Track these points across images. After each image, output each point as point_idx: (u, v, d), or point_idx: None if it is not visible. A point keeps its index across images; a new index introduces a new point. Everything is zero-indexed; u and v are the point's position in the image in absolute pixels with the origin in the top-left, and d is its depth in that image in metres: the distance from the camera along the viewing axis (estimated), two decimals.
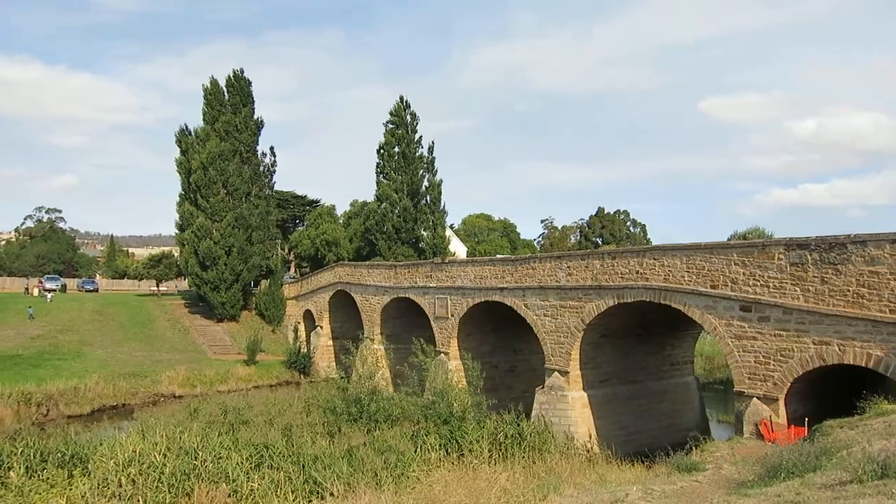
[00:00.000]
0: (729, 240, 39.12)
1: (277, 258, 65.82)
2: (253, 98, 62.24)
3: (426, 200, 64.55)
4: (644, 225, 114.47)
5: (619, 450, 24.63)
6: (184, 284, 76.84)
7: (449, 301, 36.60)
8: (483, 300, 34.09)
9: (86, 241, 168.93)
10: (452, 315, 36.33)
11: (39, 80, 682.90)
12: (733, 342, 21.74)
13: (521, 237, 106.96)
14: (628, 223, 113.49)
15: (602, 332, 28.39)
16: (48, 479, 15.86)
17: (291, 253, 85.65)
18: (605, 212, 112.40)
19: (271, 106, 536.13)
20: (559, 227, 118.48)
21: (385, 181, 64.18)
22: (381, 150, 64.61)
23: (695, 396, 31.89)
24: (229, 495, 15.26)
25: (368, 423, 25.28)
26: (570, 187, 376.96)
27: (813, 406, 20.42)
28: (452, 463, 15.50)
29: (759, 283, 21.06)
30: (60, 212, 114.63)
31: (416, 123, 65.14)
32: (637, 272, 25.40)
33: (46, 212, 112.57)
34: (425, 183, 64.69)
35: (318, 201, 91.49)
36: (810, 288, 19.61)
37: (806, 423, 19.17)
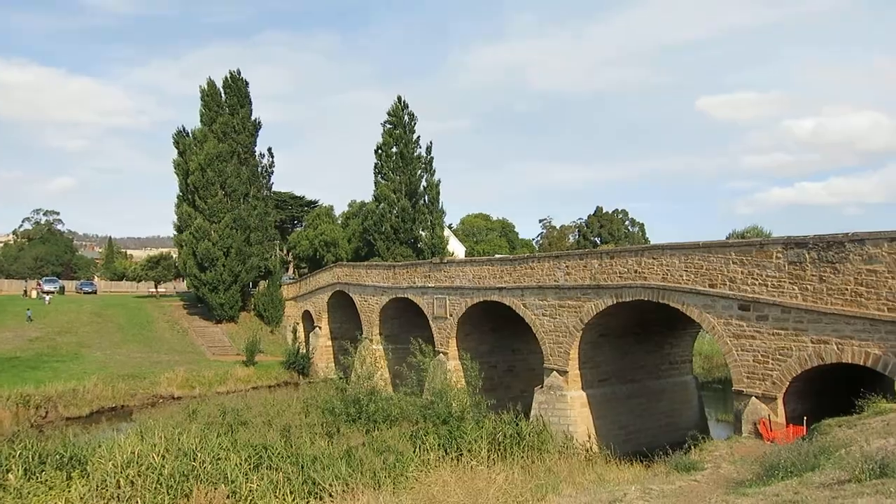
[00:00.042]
0: (727, 239, 39.16)
1: (276, 259, 65.77)
2: (250, 99, 62.20)
3: (424, 200, 64.47)
4: (642, 224, 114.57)
5: (618, 449, 24.64)
6: (182, 286, 76.68)
7: (447, 301, 36.59)
8: (481, 300, 34.07)
9: (84, 244, 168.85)
10: (451, 315, 36.31)
11: (37, 84, 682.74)
12: (732, 341, 21.74)
13: (520, 237, 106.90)
14: (627, 222, 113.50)
15: (601, 332, 28.39)
16: (46, 481, 15.86)
17: (290, 254, 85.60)
18: (604, 211, 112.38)
19: (268, 107, 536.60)
20: (557, 227, 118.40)
21: (383, 181, 64.11)
22: (379, 151, 64.54)
23: (693, 395, 31.89)
24: (228, 496, 15.25)
25: (367, 424, 25.30)
26: (569, 187, 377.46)
27: (811, 405, 20.42)
28: (451, 463, 15.48)
29: (757, 282, 21.06)
30: (58, 214, 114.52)
31: (414, 123, 65.06)
32: (635, 271, 25.39)
33: (44, 214, 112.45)
34: (423, 183, 64.59)
35: (317, 202, 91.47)
36: (808, 287, 19.61)
37: (804, 421, 19.16)
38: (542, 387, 29.24)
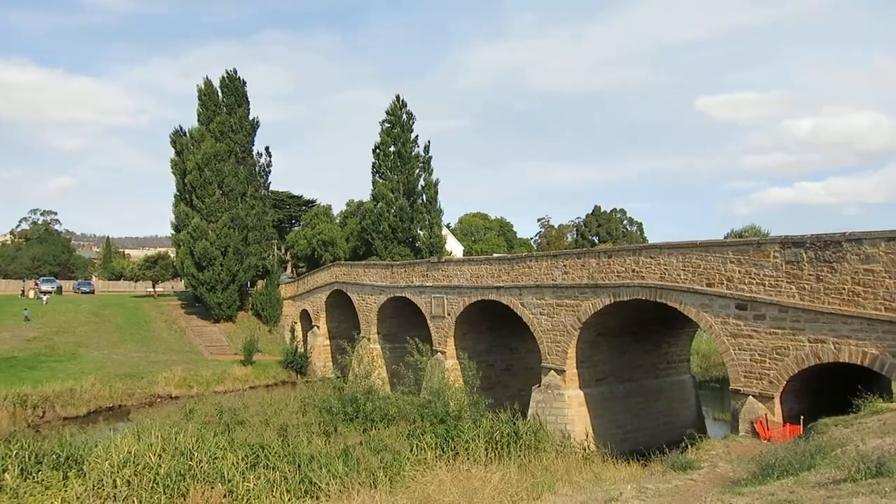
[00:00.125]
0: (725, 238, 39.19)
1: (274, 258, 65.72)
2: (248, 98, 62.18)
3: (422, 200, 64.47)
4: (641, 223, 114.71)
5: (616, 448, 24.66)
6: (180, 285, 76.60)
7: (445, 300, 36.59)
8: (479, 299, 34.08)
9: (82, 243, 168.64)
10: (449, 314, 36.32)
11: (36, 83, 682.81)
12: (729, 340, 21.75)
13: (518, 236, 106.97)
14: (625, 222, 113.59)
15: (598, 331, 28.40)
16: (43, 480, 15.84)
17: (288, 253, 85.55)
18: (602, 211, 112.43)
19: (267, 107, 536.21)
20: (556, 226, 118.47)
21: (381, 180, 64.11)
22: (377, 150, 64.53)
23: (691, 395, 31.92)
24: (225, 496, 15.24)
25: (364, 423, 25.29)
26: (568, 187, 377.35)
27: (808, 404, 20.44)
28: (448, 462, 15.48)
29: (754, 282, 21.07)
30: (56, 214, 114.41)
31: (413, 123, 65.08)
32: (633, 271, 25.40)
33: (42, 214, 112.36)
34: (421, 182, 64.62)
35: (315, 201, 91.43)
36: (806, 286, 19.62)
37: (801, 421, 19.19)
38: (539, 386, 29.25)
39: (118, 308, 61.90)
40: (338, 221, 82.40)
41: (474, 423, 21.66)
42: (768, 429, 19.92)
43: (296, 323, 58.71)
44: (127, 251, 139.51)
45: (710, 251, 22.62)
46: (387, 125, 64.60)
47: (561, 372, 28.40)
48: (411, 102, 65.33)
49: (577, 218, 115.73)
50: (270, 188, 68.53)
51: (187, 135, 59.03)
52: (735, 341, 21.56)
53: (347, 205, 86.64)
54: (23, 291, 70.36)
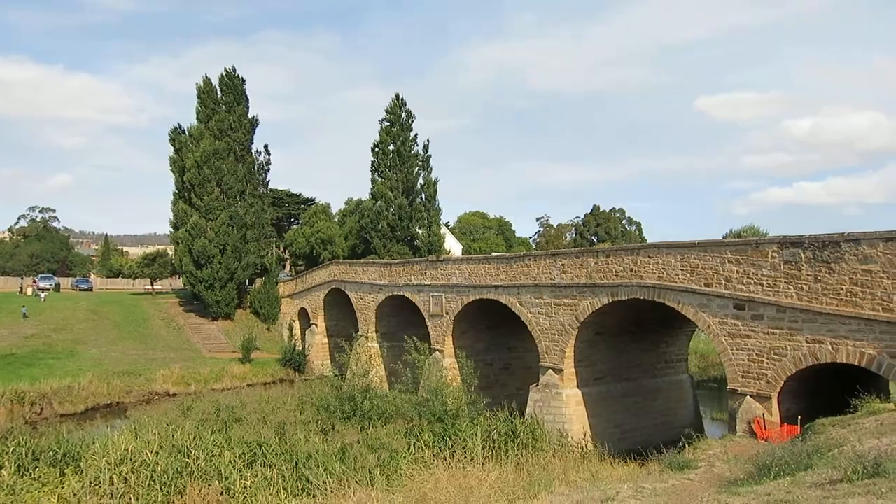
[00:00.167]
0: (724, 238, 39.19)
1: (272, 256, 65.69)
2: (247, 97, 62.08)
3: (421, 198, 64.43)
4: (640, 223, 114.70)
5: (614, 447, 24.66)
6: (178, 283, 76.53)
7: (444, 299, 36.57)
8: (478, 298, 34.06)
9: (80, 241, 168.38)
10: (447, 313, 36.30)
11: (36, 81, 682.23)
12: (727, 340, 21.75)
13: (517, 235, 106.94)
14: (624, 221, 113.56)
15: (596, 330, 28.40)
16: (40, 477, 15.83)
17: (286, 251, 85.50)
18: (601, 210, 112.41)
19: (267, 106, 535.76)
20: (555, 226, 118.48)
21: (380, 179, 64.06)
22: (376, 148, 64.47)
23: (689, 394, 31.93)
24: (222, 493, 15.24)
25: (362, 421, 25.28)
26: (567, 186, 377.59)
27: (806, 404, 20.45)
28: (445, 461, 15.48)
29: (752, 282, 21.07)
30: (54, 211, 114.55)
31: (412, 121, 65.01)
32: (631, 270, 25.40)
33: (40, 211, 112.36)
34: (420, 181, 64.58)
35: (313, 199, 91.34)
36: (804, 286, 19.62)
37: (799, 421, 19.20)
38: (537, 385, 29.24)
39: (116, 305, 61.88)
40: (336, 220, 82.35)
41: (472, 422, 21.66)
42: (766, 429, 19.93)
43: (294, 321, 58.68)
44: (125, 249, 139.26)
45: (709, 251, 22.61)
46: (386, 124, 64.54)
47: (559, 371, 28.40)
48: (411, 102, 65.56)
49: (576, 217, 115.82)
50: (269, 186, 68.46)
51: (186, 133, 59.02)
52: (733, 341, 21.56)
53: (346, 203, 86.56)
54: (21, 289, 70.28)
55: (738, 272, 21.51)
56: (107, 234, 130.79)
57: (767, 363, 20.59)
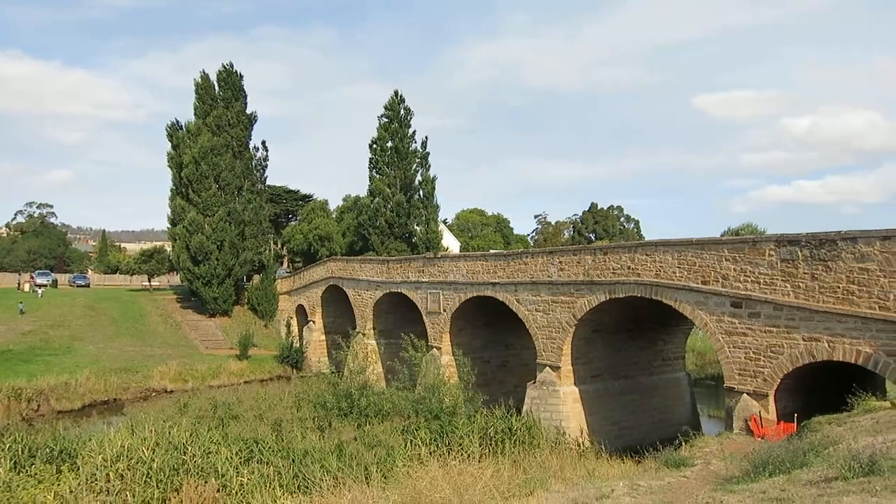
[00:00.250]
0: (722, 236, 39.21)
1: (270, 253, 65.63)
2: (245, 93, 61.95)
3: (419, 195, 64.36)
4: (638, 221, 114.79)
5: (611, 445, 24.70)
6: (176, 279, 76.44)
7: (441, 296, 36.58)
8: (475, 295, 34.07)
9: (78, 237, 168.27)
10: (444, 310, 36.30)
11: (33, 76, 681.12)
12: (724, 338, 21.77)
13: (515, 232, 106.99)
14: (622, 219, 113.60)
15: (594, 328, 28.41)
16: (36, 474, 15.76)
17: (284, 248, 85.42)
18: (599, 207, 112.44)
19: (266, 102, 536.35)
20: (553, 223, 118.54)
21: (378, 176, 63.97)
22: (374, 145, 64.35)
23: (686, 392, 31.97)
24: (218, 490, 15.20)
25: (359, 418, 25.26)
26: (566, 183, 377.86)
27: (802, 402, 20.49)
28: (441, 458, 15.48)
29: (749, 280, 21.08)
30: (52, 207, 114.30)
31: (410, 118, 64.86)
32: (629, 268, 25.41)
33: (38, 207, 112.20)
34: (418, 178, 64.51)
35: (311, 196, 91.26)
36: (801, 284, 19.64)
37: (795, 419, 19.24)
38: (534, 382, 29.26)
39: (114, 302, 61.81)
40: (334, 216, 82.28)
41: (468, 420, 21.64)
42: (762, 426, 19.96)
43: (292, 318, 58.67)
44: (123, 245, 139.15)
45: (706, 249, 22.62)
46: (384, 120, 64.41)
47: (556, 368, 28.42)
48: (408, 99, 65.10)
49: (574, 215, 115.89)
50: (267, 183, 68.42)
51: (183, 129, 58.86)
52: (730, 339, 21.58)
53: (344, 200, 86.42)
54: (19, 284, 70.17)
55: (735, 270, 21.53)
56: (104, 230, 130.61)
57: (764, 361, 20.62)
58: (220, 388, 41.26)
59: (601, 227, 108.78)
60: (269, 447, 18.13)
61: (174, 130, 58.95)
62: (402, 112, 64.31)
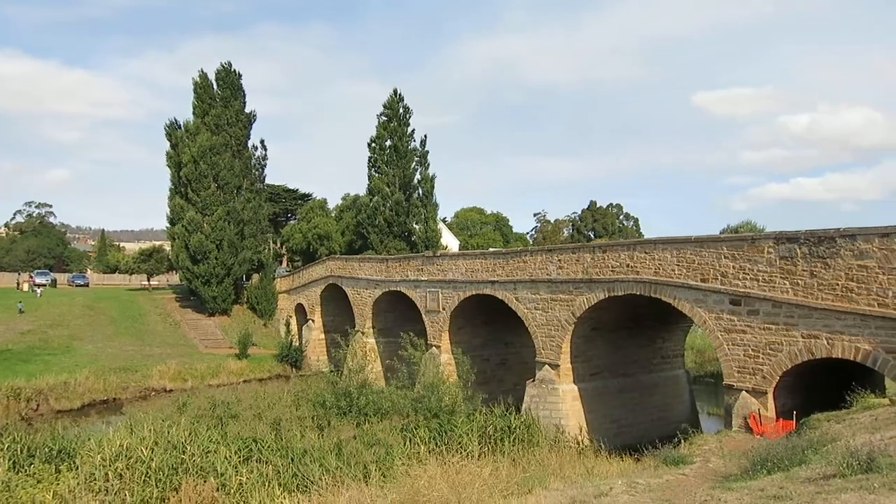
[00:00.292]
0: (721, 234, 39.20)
1: (269, 252, 65.59)
2: (244, 91, 61.91)
3: (418, 194, 64.35)
4: (637, 219, 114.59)
5: (610, 443, 24.68)
6: (175, 279, 76.43)
7: (440, 294, 36.56)
8: (474, 293, 34.05)
9: (77, 236, 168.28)
10: (444, 308, 36.29)
11: (31, 75, 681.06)
12: (723, 335, 21.77)
13: (514, 231, 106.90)
14: (621, 217, 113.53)
15: (593, 326, 28.41)
16: (35, 474, 15.77)
17: (283, 247, 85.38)
18: (598, 205, 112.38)
19: (263, 100, 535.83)
20: (552, 221, 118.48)
21: (377, 174, 63.94)
22: (373, 144, 64.31)
23: (685, 389, 31.97)
24: (217, 489, 15.19)
25: (358, 417, 25.26)
26: (565, 181, 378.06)
27: (801, 399, 20.49)
28: (440, 456, 15.47)
29: (748, 277, 21.08)
30: (51, 206, 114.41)
31: (409, 116, 64.84)
32: (627, 265, 25.40)
33: (37, 206, 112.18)
34: (417, 176, 64.49)
35: (310, 195, 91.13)
36: (799, 282, 19.64)
37: (794, 416, 19.24)
38: (534, 380, 29.26)
39: (113, 301, 61.78)
40: (333, 215, 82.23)
41: (468, 418, 21.64)
42: (761, 424, 19.96)
43: (291, 317, 58.64)
44: (122, 244, 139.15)
45: (705, 246, 22.62)
46: (383, 119, 64.37)
47: (555, 366, 28.41)
48: (407, 97, 65.09)
49: (574, 213, 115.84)
50: (266, 182, 68.39)
51: (182, 128, 58.79)
52: (729, 336, 21.58)
53: (343, 199, 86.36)
54: (17, 284, 70.15)
55: (734, 267, 21.52)
56: (103, 230, 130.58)
57: (763, 358, 20.62)
58: (219, 388, 41.23)
59: (600, 226, 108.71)
60: (268, 446, 18.12)
61: (173, 129, 58.87)
62: (401, 110, 64.28)
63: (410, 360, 30.20)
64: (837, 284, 18.71)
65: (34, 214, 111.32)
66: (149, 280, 76.72)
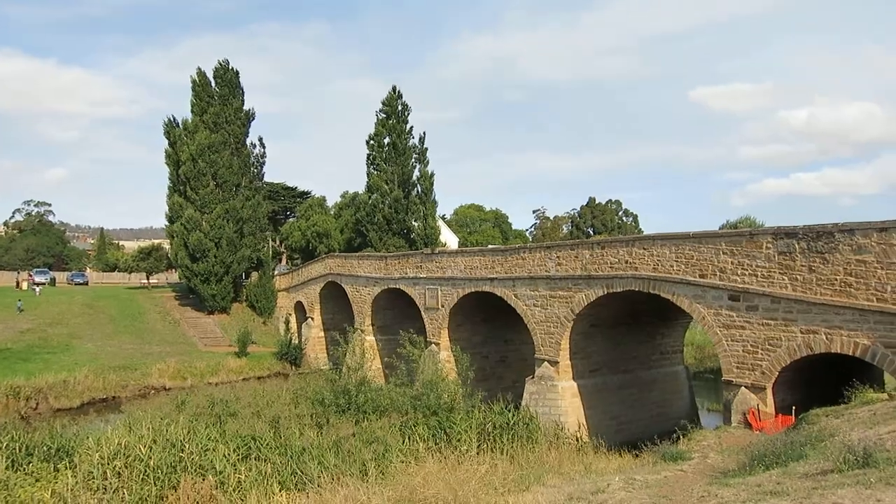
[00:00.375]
0: (720, 229, 39.18)
1: (268, 250, 65.58)
2: (242, 89, 61.87)
3: (417, 191, 64.33)
4: (636, 215, 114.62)
5: (610, 439, 24.60)
6: (174, 277, 76.49)
7: (439, 292, 36.53)
8: (473, 290, 34.04)
9: (76, 235, 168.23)
10: (443, 306, 36.27)
11: (29, 74, 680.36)
12: (722, 331, 21.76)
13: (514, 227, 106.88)
14: (620, 213, 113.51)
15: (592, 322, 28.38)
16: (33, 472, 15.75)
17: (282, 245, 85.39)
18: (597, 202, 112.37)
19: (262, 98, 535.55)
20: (551, 218, 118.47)
21: (376, 172, 63.91)
22: (371, 141, 64.26)
23: (684, 385, 31.97)
24: (216, 487, 15.17)
25: (357, 415, 25.22)
26: (564, 177, 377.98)
27: (801, 395, 20.47)
28: (439, 454, 15.46)
29: (747, 273, 21.05)
30: (50, 205, 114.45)
31: (408, 113, 64.83)
32: (626, 262, 25.37)
33: (36, 205, 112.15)
34: (416, 173, 64.45)
35: (309, 193, 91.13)
36: (798, 277, 19.61)
37: (793, 411, 19.21)
38: (533, 377, 29.26)
39: (112, 299, 61.80)
40: (332, 213, 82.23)
41: (467, 415, 21.61)
42: (760, 420, 19.94)
43: (290, 314, 58.65)
44: (122, 243, 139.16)
45: (703, 242, 22.59)
46: (382, 116, 64.33)
47: (554, 363, 28.40)
48: (405, 94, 65.10)
49: (573, 209, 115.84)
50: (265, 179, 68.36)
51: (180, 126, 58.76)
52: (728, 332, 21.56)
53: (342, 196, 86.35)
54: (17, 283, 70.15)
55: (732, 263, 21.50)
56: (102, 228, 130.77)
57: (762, 354, 20.61)
58: (218, 386, 41.23)
59: (599, 222, 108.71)
60: (267, 444, 18.08)
61: (171, 127, 58.84)
62: (399, 107, 64.24)
63: (409, 357, 30.16)
64: (836, 279, 18.69)
65: (33, 213, 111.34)
66: (148, 278, 76.77)
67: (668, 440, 18.95)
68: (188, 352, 49.50)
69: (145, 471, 15.41)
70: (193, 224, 55.85)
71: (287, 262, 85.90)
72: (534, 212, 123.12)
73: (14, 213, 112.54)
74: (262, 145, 65.13)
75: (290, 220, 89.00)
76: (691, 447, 16.46)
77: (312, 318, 54.83)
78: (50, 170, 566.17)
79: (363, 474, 14.47)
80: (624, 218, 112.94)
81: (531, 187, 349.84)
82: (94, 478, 15.16)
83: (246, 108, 61.94)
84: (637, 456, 19.69)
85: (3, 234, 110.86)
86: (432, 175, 64.59)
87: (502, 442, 19.79)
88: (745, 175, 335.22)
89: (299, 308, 58.61)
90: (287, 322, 56.37)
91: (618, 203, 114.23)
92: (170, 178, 58.92)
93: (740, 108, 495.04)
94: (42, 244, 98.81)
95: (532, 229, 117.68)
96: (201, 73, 59.38)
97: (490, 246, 63.76)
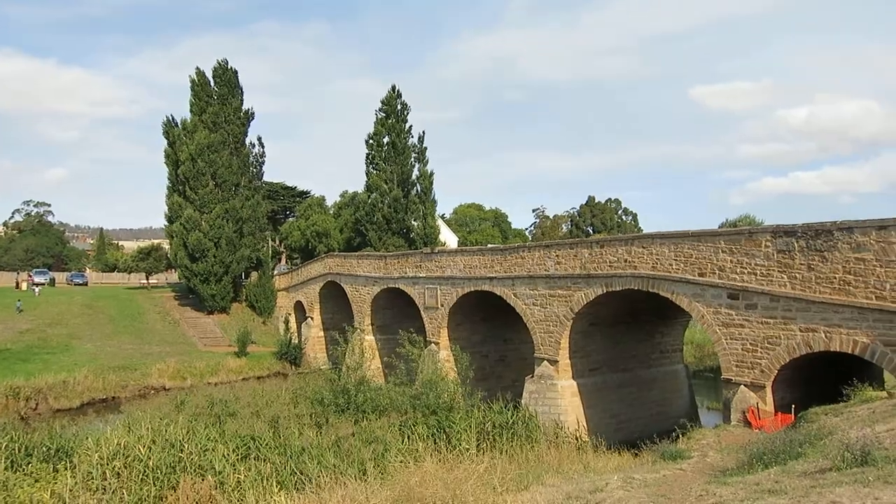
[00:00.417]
0: (719, 228, 39.18)
1: (268, 250, 65.56)
2: (241, 89, 61.77)
3: (417, 190, 64.30)
4: (635, 213, 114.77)
5: (609, 438, 24.60)
6: (174, 277, 76.46)
7: (439, 291, 36.52)
8: (473, 290, 34.02)
9: (76, 235, 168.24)
10: (442, 305, 36.25)
11: (27, 74, 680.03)
12: (721, 330, 21.75)
13: (513, 227, 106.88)
14: (619, 212, 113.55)
15: (591, 321, 28.37)
16: (32, 473, 15.74)
17: (282, 244, 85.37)
18: (596, 201, 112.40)
19: (260, 98, 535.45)
20: (550, 217, 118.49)
21: (375, 171, 63.88)
22: (371, 140, 64.22)
23: (684, 384, 31.95)
24: (215, 487, 15.16)
25: (356, 414, 25.21)
26: (563, 176, 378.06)
27: (800, 393, 20.47)
28: (438, 453, 15.45)
29: (746, 271, 21.04)
30: (49, 205, 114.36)
31: (407, 113, 64.79)
32: (625, 260, 25.36)
33: (35, 206, 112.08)
34: (416, 172, 64.41)
35: (309, 192, 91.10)
36: (797, 275, 19.60)
37: (793, 410, 19.21)
38: (532, 376, 29.25)
39: (111, 300, 61.77)
40: (332, 213, 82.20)
41: (466, 414, 21.60)
42: (760, 418, 19.93)
43: (290, 314, 58.63)
44: (121, 243, 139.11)
45: (702, 241, 22.58)
46: (381, 115, 64.27)
47: (554, 362, 28.39)
48: (404, 93, 65.07)
49: (572, 208, 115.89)
50: (264, 179, 68.32)
51: (179, 125, 58.71)
52: (727, 331, 21.55)
53: (341, 196, 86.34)
54: (16, 283, 70.12)
55: (731, 262, 21.49)
56: (102, 229, 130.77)
57: (761, 352, 20.60)
58: (218, 386, 41.24)
59: (599, 221, 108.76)
60: (266, 444, 18.09)
61: (170, 127, 58.78)
62: (398, 107, 64.19)
63: (409, 357, 30.15)
64: (835, 277, 18.68)
65: (33, 213, 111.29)
66: (147, 278, 76.72)
67: (668, 439, 18.95)
68: (188, 352, 49.48)
69: (144, 471, 15.42)
70: (193, 224, 55.83)
71: (286, 262, 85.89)
72: (533, 211, 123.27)
73: (14, 213, 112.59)
74: (262, 145, 65.15)
75: (290, 219, 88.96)
76: (690, 446, 16.46)
77: (312, 318, 54.82)
78: (50, 170, 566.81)
79: (362, 474, 14.46)
80: (623, 217, 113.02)
81: (531, 187, 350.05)
82: (93, 478, 15.16)
83: (245, 107, 61.89)
84: (636, 455, 19.69)
85: (2, 234, 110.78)
86: (432, 174, 64.62)
87: (501, 441, 19.79)
88: (744, 174, 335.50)
89: (299, 308, 58.60)
90: (286, 322, 56.37)
91: (617, 202, 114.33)
92: (169, 178, 58.87)
93: (739, 107, 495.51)
94: (41, 244, 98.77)
95: (531, 228, 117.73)
96: (200, 73, 59.32)
97: (489, 245, 63.76)
